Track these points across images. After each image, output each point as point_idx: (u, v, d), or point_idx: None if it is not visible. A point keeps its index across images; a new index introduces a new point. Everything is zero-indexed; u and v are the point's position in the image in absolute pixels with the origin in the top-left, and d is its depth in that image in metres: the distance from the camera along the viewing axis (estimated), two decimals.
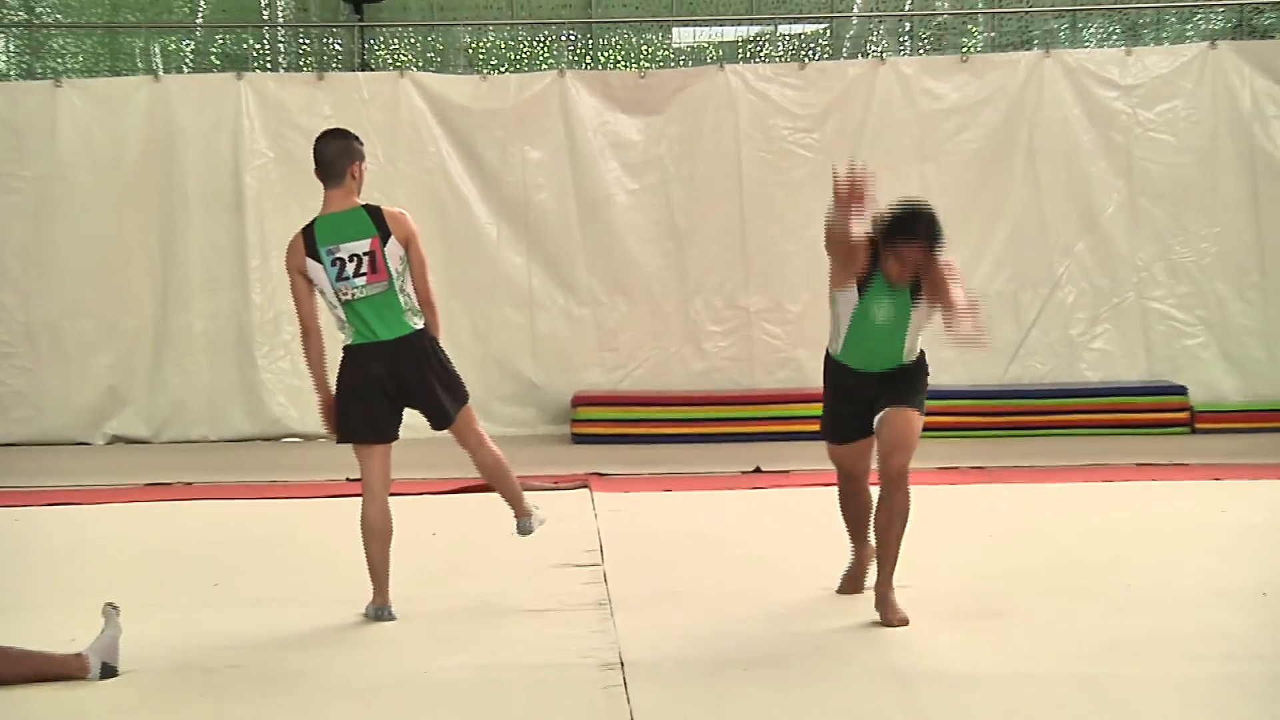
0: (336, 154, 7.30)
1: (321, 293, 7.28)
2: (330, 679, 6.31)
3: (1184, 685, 5.94)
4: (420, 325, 7.30)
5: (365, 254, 7.16)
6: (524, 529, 7.58)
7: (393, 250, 7.21)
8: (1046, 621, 6.71)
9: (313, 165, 7.35)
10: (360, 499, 7.49)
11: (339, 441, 7.46)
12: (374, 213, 7.25)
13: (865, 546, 7.48)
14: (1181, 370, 14.40)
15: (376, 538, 7.36)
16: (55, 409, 14.49)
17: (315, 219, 7.28)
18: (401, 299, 7.24)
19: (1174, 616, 7.05)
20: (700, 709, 5.75)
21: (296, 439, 14.40)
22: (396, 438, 7.38)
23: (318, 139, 7.42)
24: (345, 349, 7.33)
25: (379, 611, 7.32)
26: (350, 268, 7.15)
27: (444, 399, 7.33)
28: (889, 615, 6.73)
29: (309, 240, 7.24)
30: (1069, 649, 6.37)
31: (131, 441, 14.49)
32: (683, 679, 6.14)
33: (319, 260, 7.20)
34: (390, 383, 7.23)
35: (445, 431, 7.44)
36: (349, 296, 7.19)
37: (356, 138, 7.45)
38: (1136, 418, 13.91)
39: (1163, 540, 8.93)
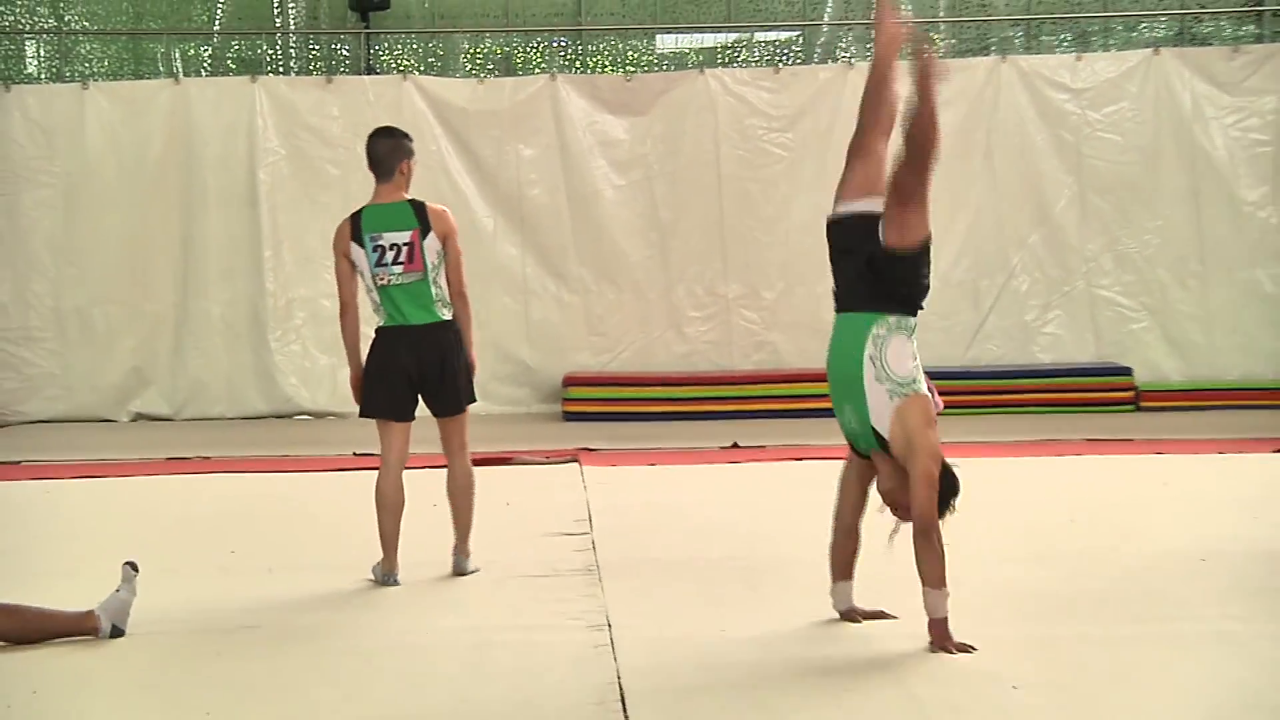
0: (388, 151, 7.39)
1: (361, 275, 7.31)
2: (338, 639, 6.30)
3: (1130, 643, 5.95)
4: (448, 316, 7.33)
5: (405, 244, 7.20)
6: (459, 566, 7.42)
7: (430, 244, 7.24)
8: (1003, 585, 6.71)
9: (366, 160, 7.45)
10: (372, 471, 7.50)
11: (361, 415, 7.47)
12: (418, 208, 7.30)
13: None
14: (1127, 353, 14.41)
15: (388, 509, 7.36)
16: (83, 389, 14.46)
17: (363, 208, 7.34)
18: (433, 290, 7.26)
19: (1121, 580, 7.06)
20: (682, 667, 5.74)
21: (307, 416, 14.39)
22: (413, 418, 7.37)
23: (371, 136, 7.50)
24: (377, 330, 7.37)
25: (386, 577, 7.32)
26: (390, 256, 7.20)
27: (459, 389, 7.35)
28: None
29: (355, 226, 7.29)
30: (1024, 610, 6.38)
31: (154, 419, 14.46)
32: (665, 639, 6.14)
33: (362, 246, 7.25)
34: (413, 367, 7.25)
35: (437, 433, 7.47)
36: (385, 282, 7.23)
37: (407, 135, 7.53)
38: (1085, 397, 13.93)
39: (1109, 510, 8.94)
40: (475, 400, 7.52)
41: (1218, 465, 10.80)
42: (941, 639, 5.67)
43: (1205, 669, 5.61)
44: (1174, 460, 10.95)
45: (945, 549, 5.75)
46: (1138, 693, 5.33)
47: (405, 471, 7.43)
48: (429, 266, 7.24)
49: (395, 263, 7.20)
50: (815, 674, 5.62)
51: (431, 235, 7.25)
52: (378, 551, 7.37)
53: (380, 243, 7.21)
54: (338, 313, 7.52)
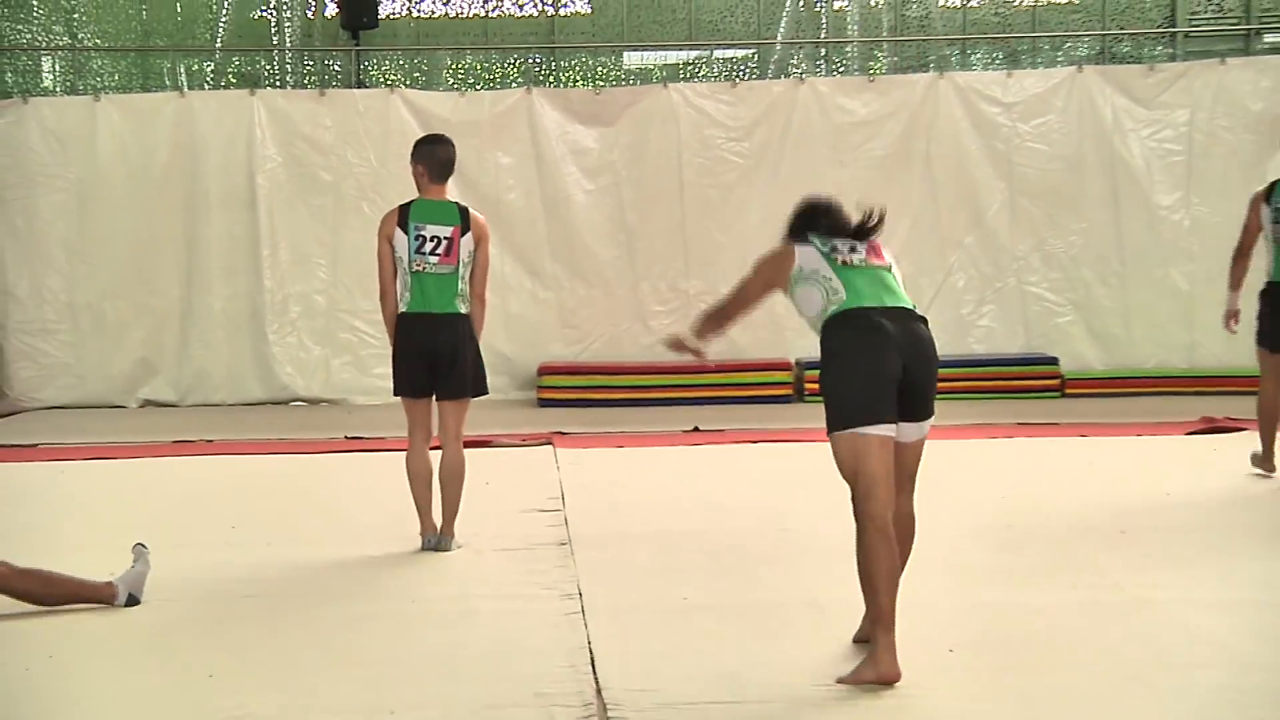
0: (450, 157, 7.57)
1: (398, 260, 7.32)
2: (330, 606, 6.30)
3: (1057, 609, 5.99)
4: (465, 311, 7.37)
5: (445, 238, 7.28)
6: (444, 545, 7.38)
7: (466, 243, 7.32)
8: (940, 556, 6.73)
9: (411, 160, 7.55)
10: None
11: (396, 394, 7.51)
12: (463, 211, 7.41)
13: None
14: (1054, 344, 14.45)
15: (418, 479, 7.42)
16: (95, 377, 14.38)
17: (413, 200, 7.41)
18: (460, 284, 7.32)
19: (1049, 552, 7.09)
20: (647, 632, 5.75)
21: (301, 403, 14.33)
22: (431, 395, 7.40)
23: (437, 140, 7.66)
24: (400, 315, 7.37)
25: (427, 539, 7.39)
26: (429, 246, 7.26)
27: (465, 377, 7.36)
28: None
29: (402, 215, 7.36)
30: (960, 579, 6.41)
31: (161, 405, 14.39)
32: (632, 607, 6.14)
33: (406, 232, 7.29)
34: (429, 351, 7.27)
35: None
36: (420, 268, 7.27)
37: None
38: (1016, 384, 13.96)
39: (1038, 487, 8.98)
40: (486, 393, 7.56)
41: (1136, 446, 10.85)
42: None
43: (1124, 631, 5.64)
44: (1096, 442, 11.00)
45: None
46: (1063, 653, 5.36)
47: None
48: (461, 263, 7.30)
49: (434, 253, 7.26)
50: (767, 636, 5.63)
51: (469, 236, 7.34)
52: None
53: (423, 233, 7.27)
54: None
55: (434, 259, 7.26)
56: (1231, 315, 9.45)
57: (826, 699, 4.89)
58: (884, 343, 5.05)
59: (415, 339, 7.31)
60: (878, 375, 5.02)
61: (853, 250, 5.31)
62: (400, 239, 7.30)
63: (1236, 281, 9.41)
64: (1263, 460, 9.20)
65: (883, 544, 4.99)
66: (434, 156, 7.47)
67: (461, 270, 7.32)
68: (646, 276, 14.63)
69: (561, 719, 4.72)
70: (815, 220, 5.47)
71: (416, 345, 7.31)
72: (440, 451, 7.45)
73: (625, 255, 14.62)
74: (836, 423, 5.07)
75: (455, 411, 7.45)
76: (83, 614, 6.15)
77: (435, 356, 7.29)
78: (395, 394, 7.53)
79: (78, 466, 10.61)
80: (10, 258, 14.29)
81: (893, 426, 5.08)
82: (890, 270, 5.39)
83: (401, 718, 4.76)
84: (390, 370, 7.53)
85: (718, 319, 5.84)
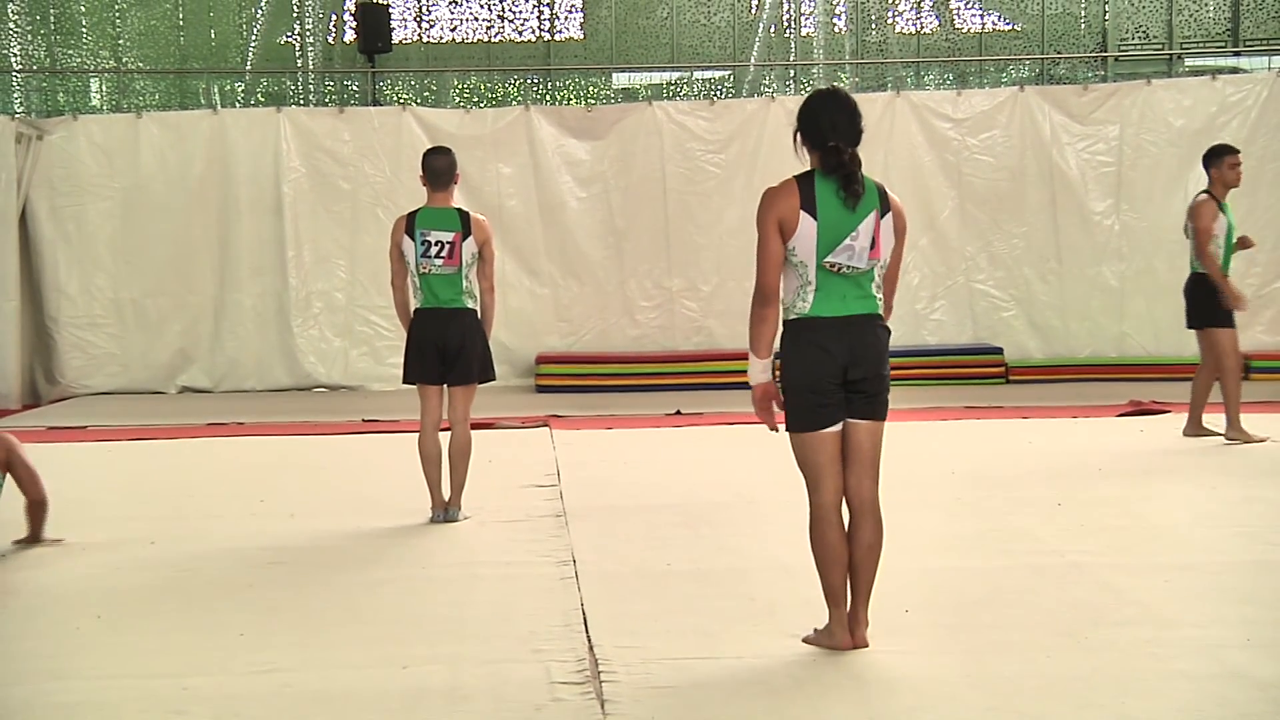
0: (445, 167, 7.42)
1: (408, 264, 7.31)
2: (350, 573, 6.29)
3: (999, 573, 6.01)
4: (472, 305, 7.34)
5: (448, 243, 7.22)
6: (452, 516, 7.36)
7: (468, 246, 7.27)
8: (895, 527, 6.71)
9: (420, 171, 7.49)
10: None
11: (404, 382, 7.53)
12: (463, 215, 7.33)
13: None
14: (999, 335, 14.47)
15: (428, 459, 7.40)
16: (138, 366, 14.34)
17: (419, 209, 7.36)
18: (464, 283, 7.28)
19: (992, 522, 7.11)
20: (634, 595, 5.76)
21: (323, 389, 14.30)
22: (443, 383, 7.38)
23: (430, 152, 7.52)
24: (415, 311, 7.39)
25: (435, 514, 7.37)
26: (434, 250, 7.21)
27: (472, 364, 7.34)
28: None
29: (409, 222, 7.32)
30: (912, 547, 6.40)
31: (197, 391, 14.34)
32: (620, 574, 6.15)
33: (412, 239, 7.26)
34: (440, 341, 7.25)
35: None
36: (426, 270, 7.25)
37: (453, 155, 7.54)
38: (964, 371, 13.97)
39: (983, 464, 9.00)
40: (494, 379, 7.54)
41: (1071, 427, 10.87)
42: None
43: (1060, 593, 5.65)
44: (1037, 424, 11.01)
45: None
46: (1005, 612, 5.38)
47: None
48: (464, 264, 7.26)
49: (438, 256, 7.21)
50: (741, 598, 5.64)
51: (470, 239, 7.28)
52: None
53: (428, 238, 7.22)
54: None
55: (438, 261, 7.22)
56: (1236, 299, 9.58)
57: (795, 655, 4.90)
58: (831, 360, 4.81)
59: (428, 332, 7.29)
60: (822, 388, 4.84)
61: (850, 256, 4.74)
62: (408, 245, 7.28)
63: None
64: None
65: (828, 529, 4.94)
66: (428, 166, 7.43)
67: (464, 270, 7.27)
68: (633, 275, 14.62)
69: (557, 673, 4.72)
70: (826, 134, 4.78)
71: (429, 337, 7.29)
72: (449, 433, 7.44)
73: (614, 255, 14.60)
74: (788, 424, 5.00)
75: (464, 396, 7.43)
76: (126, 579, 6.15)
77: (445, 346, 7.27)
78: (406, 381, 7.51)
79: (123, 446, 10.59)
80: (62, 259, 14.23)
81: (838, 424, 4.93)
82: (874, 270, 4.85)
83: (413, 671, 4.76)
84: (401, 360, 7.53)
85: (772, 296, 4.88)
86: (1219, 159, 9.65)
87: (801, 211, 4.74)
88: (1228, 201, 9.65)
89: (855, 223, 4.75)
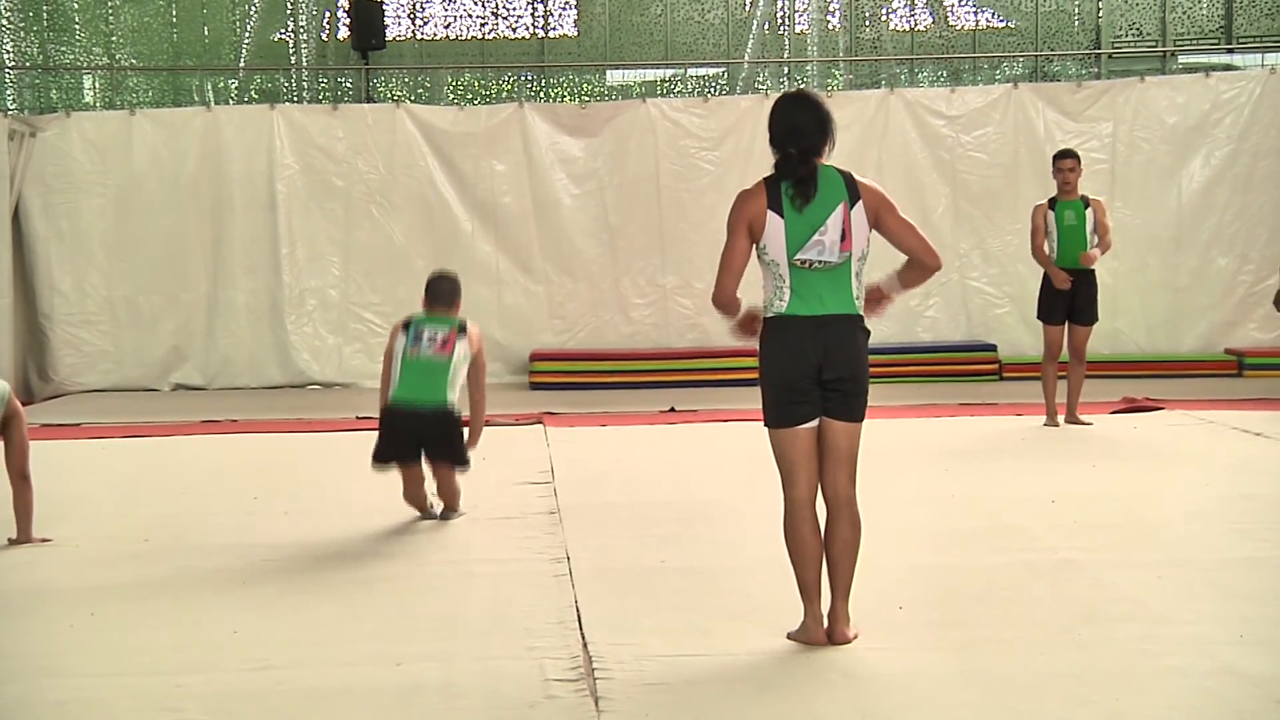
0: (449, 290, 7.41)
1: (394, 358, 7.24)
2: (342, 569, 6.29)
3: (993, 570, 6.01)
4: (456, 407, 7.18)
5: (443, 337, 7.19)
6: (445, 515, 7.37)
7: (462, 348, 7.21)
8: (889, 523, 6.74)
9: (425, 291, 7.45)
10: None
11: (376, 462, 7.32)
12: (463, 325, 7.30)
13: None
14: (992, 332, 14.48)
15: (414, 502, 7.38)
16: (131, 363, 14.33)
17: (417, 316, 7.35)
18: (448, 378, 7.15)
19: (985, 518, 7.11)
20: (627, 592, 5.76)
21: (317, 386, 14.29)
22: (420, 461, 7.25)
23: (435, 278, 7.48)
24: (390, 404, 7.21)
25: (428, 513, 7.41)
26: (425, 340, 7.17)
27: (446, 456, 7.19)
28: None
29: (405, 324, 7.30)
30: (907, 543, 6.42)
31: (190, 389, 14.33)
32: (614, 570, 6.15)
33: (406, 333, 7.24)
34: (416, 435, 7.13)
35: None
36: (413, 356, 7.18)
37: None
38: (958, 368, 13.98)
39: (977, 460, 9.00)
40: (465, 467, 7.32)
41: (1065, 424, 10.86)
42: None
43: (1053, 589, 5.66)
44: (1030, 420, 11.01)
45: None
46: (998, 608, 5.39)
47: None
48: (455, 358, 7.17)
49: (429, 344, 7.17)
50: (734, 594, 5.65)
51: (465, 343, 7.23)
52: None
53: (423, 331, 7.21)
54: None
55: (429, 350, 7.17)
56: None
57: (788, 652, 4.91)
58: (805, 359, 4.85)
59: (406, 424, 7.14)
60: (796, 386, 4.87)
61: (820, 251, 4.86)
62: (399, 340, 7.25)
63: None
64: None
65: (802, 524, 4.95)
66: (432, 289, 7.42)
67: (455, 365, 7.18)
68: (627, 272, 14.62)
69: (551, 670, 4.73)
70: (784, 139, 5.12)
71: (406, 428, 7.14)
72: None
73: (608, 253, 14.60)
74: (764, 420, 5.05)
75: (444, 474, 7.31)
76: (120, 576, 6.15)
77: (423, 439, 7.16)
78: (378, 462, 7.28)
79: (116, 443, 10.59)
80: (55, 256, 14.21)
81: (813, 421, 4.95)
82: (849, 262, 4.98)
83: (408, 668, 4.76)
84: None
85: (728, 304, 5.11)
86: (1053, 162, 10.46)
87: (769, 211, 4.94)
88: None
89: (823, 217, 4.86)
